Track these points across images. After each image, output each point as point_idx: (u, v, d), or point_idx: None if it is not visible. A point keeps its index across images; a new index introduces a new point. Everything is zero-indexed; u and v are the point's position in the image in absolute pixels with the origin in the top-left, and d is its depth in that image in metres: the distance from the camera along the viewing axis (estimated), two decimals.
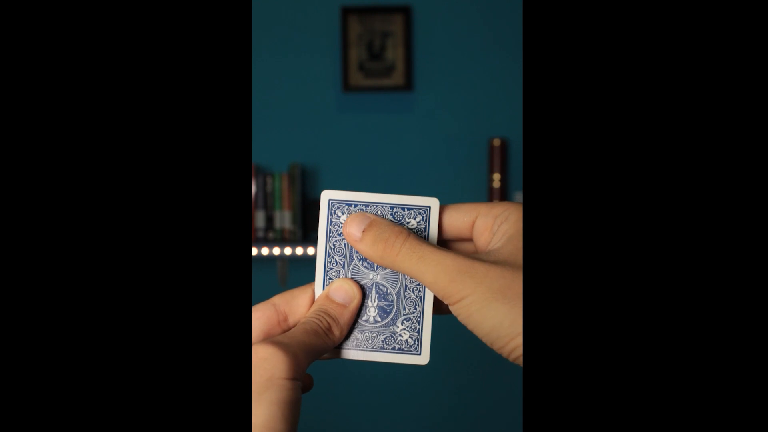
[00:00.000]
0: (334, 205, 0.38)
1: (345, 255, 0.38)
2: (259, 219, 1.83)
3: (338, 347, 0.38)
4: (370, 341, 0.38)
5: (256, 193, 1.82)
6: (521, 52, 1.84)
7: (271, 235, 1.83)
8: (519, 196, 1.86)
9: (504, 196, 1.86)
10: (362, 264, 0.38)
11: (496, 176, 1.85)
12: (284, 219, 1.83)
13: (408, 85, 1.88)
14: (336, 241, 0.38)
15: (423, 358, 0.38)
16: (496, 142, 1.84)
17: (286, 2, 1.91)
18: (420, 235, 0.38)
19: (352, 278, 0.38)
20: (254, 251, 1.72)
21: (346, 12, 1.87)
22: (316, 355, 0.35)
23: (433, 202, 0.38)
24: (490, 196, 1.86)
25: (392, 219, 0.38)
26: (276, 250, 1.72)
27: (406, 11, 1.87)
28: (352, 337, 0.38)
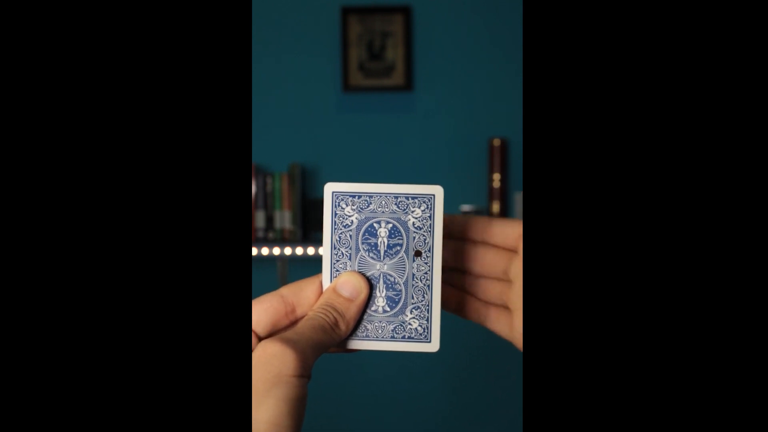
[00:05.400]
0: (338, 197, 0.38)
1: (351, 246, 0.38)
2: (259, 219, 1.83)
3: (347, 339, 0.38)
4: (380, 331, 0.38)
5: (256, 193, 1.82)
6: (521, 52, 1.84)
7: (271, 235, 1.83)
8: (519, 196, 1.86)
9: (504, 196, 1.86)
10: (369, 255, 0.38)
11: (496, 176, 1.85)
12: (284, 219, 1.83)
13: (408, 85, 1.88)
14: (341, 233, 0.38)
15: (433, 346, 0.38)
16: (496, 142, 1.84)
17: (286, 2, 1.91)
18: (424, 224, 0.38)
19: (359, 271, 0.38)
20: (254, 251, 1.72)
21: (346, 12, 1.87)
22: (323, 350, 0.35)
23: (438, 190, 0.38)
24: (490, 195, 1.86)
25: (396, 208, 0.38)
26: (276, 250, 1.72)
27: (406, 11, 1.87)
28: (362, 328, 0.38)
